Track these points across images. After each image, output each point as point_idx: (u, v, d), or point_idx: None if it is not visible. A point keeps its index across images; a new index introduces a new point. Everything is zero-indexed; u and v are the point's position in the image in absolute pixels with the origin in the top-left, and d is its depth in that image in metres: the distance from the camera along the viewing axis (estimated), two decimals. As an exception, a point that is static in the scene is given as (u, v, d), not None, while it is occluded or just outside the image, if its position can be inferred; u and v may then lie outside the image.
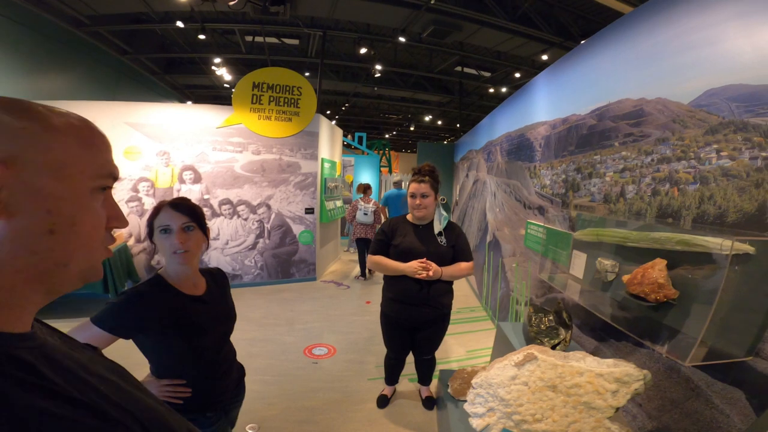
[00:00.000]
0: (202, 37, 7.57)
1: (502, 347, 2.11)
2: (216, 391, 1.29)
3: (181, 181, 5.23)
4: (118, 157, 4.90)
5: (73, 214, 0.43)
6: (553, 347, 1.75)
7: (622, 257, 1.66)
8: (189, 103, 11.66)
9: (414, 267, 2.13)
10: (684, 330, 1.29)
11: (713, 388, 1.28)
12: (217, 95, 12.79)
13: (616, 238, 1.70)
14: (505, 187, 4.06)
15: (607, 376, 1.33)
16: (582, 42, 2.48)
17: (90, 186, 0.45)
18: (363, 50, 7.85)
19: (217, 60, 8.70)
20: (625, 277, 1.51)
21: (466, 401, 1.53)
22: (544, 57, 7.49)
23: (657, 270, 1.35)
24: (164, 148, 5.11)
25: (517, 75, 9.22)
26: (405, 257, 2.20)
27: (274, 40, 8.32)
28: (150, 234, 1.23)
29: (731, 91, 1.36)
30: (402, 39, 7.36)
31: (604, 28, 2.25)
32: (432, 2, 5.78)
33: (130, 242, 4.85)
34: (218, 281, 1.41)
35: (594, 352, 1.97)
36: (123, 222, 0.51)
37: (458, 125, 11.81)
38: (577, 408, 1.33)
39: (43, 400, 0.34)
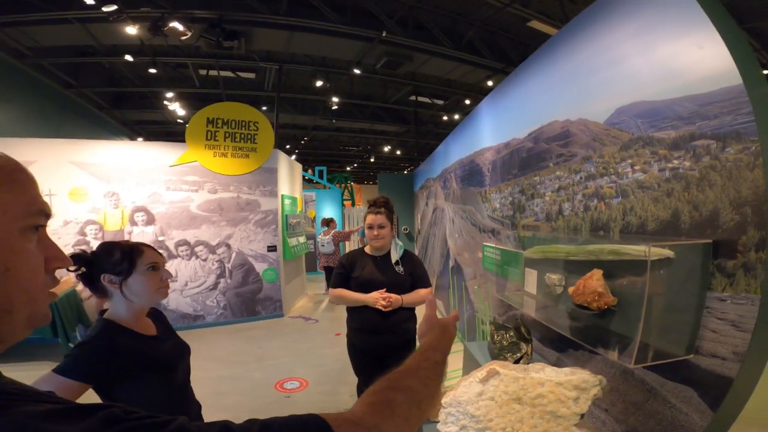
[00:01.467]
0: (153, 71, 7.46)
1: (470, 366, 2.16)
2: None
3: (133, 223, 5.01)
4: (62, 199, 4.64)
5: (4, 258, 0.41)
6: (517, 361, 1.82)
7: (567, 271, 1.79)
8: (140, 139, 11.26)
9: (374, 297, 2.21)
10: (627, 334, 1.40)
11: (666, 388, 1.36)
12: (170, 131, 12.46)
13: (559, 253, 1.84)
14: (461, 212, 4.24)
15: (566, 384, 1.40)
16: (516, 68, 2.73)
17: (18, 227, 0.43)
18: (319, 83, 8.07)
19: (170, 94, 8.58)
20: (571, 289, 1.62)
21: (438, 422, 1.55)
22: (490, 83, 8.06)
23: (595, 280, 1.48)
24: (113, 188, 4.92)
25: (467, 102, 9.79)
26: (366, 288, 2.27)
27: (229, 73, 8.38)
28: (124, 273, 1.19)
29: (636, 109, 1.55)
30: (357, 71, 7.66)
31: (533, 54, 2.44)
32: (384, 35, 6.12)
33: (79, 287, 4.52)
34: (161, 319, 1.41)
35: (556, 363, 2.05)
36: (65, 261, 0.49)
37: (416, 154, 12.27)
38: (544, 418, 1.39)
39: None
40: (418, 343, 0.82)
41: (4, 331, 0.42)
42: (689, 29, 1.29)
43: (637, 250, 1.34)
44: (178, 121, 10.75)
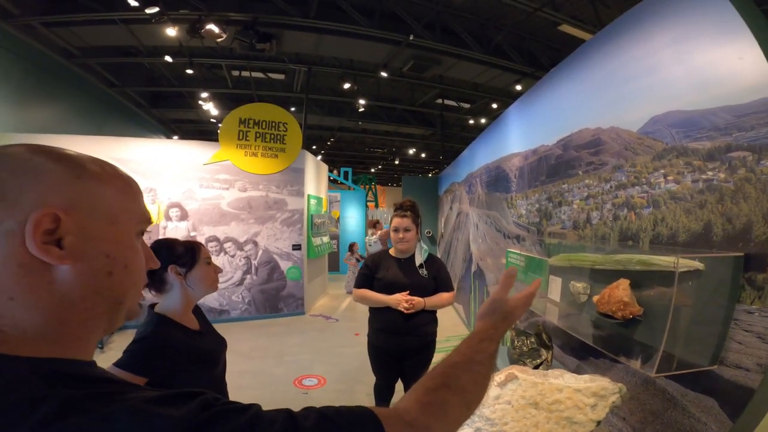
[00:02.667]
0: (189, 71, 7.79)
1: (488, 372, 2.17)
2: None
3: (168, 218, 5.25)
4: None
5: (126, 256, 0.48)
6: (536, 367, 1.82)
7: (593, 279, 1.77)
8: (175, 138, 11.76)
9: (398, 299, 2.25)
10: (651, 344, 1.39)
11: (687, 398, 1.35)
12: (203, 130, 12.97)
13: (586, 262, 1.83)
14: (485, 218, 4.22)
15: (584, 391, 1.40)
16: (546, 74, 2.71)
17: (135, 230, 0.50)
18: (347, 85, 8.19)
19: (204, 94, 8.92)
20: (595, 298, 1.61)
21: (453, 425, 1.58)
22: (518, 87, 7.95)
23: (621, 289, 1.47)
24: (150, 184, 5.17)
25: (495, 106, 9.69)
26: (389, 290, 2.31)
27: (260, 74, 8.62)
28: (190, 265, 1.30)
29: (671, 118, 1.53)
30: (384, 74, 7.73)
31: (564, 60, 2.41)
32: (411, 38, 6.16)
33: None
34: (201, 314, 1.49)
35: (576, 371, 2.03)
36: (155, 262, 0.56)
37: (441, 157, 12.25)
38: (560, 423, 1.39)
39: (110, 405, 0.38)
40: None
41: (116, 319, 0.48)
42: (727, 38, 1.27)
43: (665, 261, 1.33)
44: (211, 120, 11.17)
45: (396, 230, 2.36)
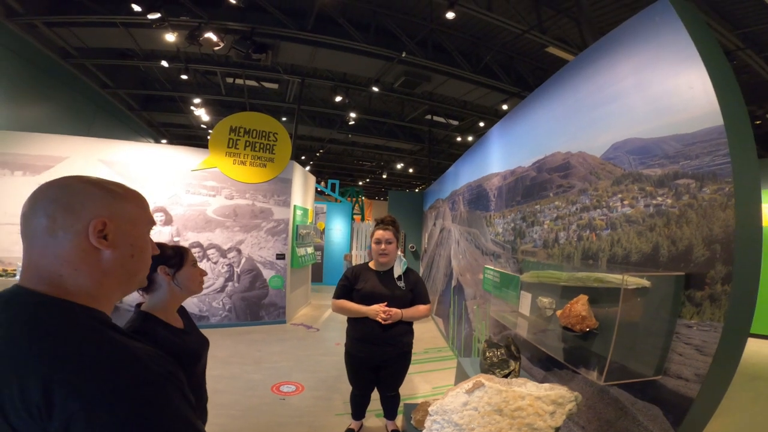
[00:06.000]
0: (184, 76, 7.82)
1: (461, 380, 2.24)
2: (201, 419, 1.37)
3: (151, 223, 5.22)
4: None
5: (142, 245, 0.74)
6: (504, 377, 1.91)
7: (558, 295, 1.89)
8: (164, 141, 11.69)
9: (376, 310, 2.33)
10: (604, 354, 1.50)
11: (636, 407, 1.45)
12: (192, 135, 12.93)
13: (552, 278, 1.94)
14: (466, 235, 4.35)
15: (544, 399, 1.49)
16: (527, 96, 2.83)
17: (147, 229, 0.77)
18: (338, 98, 8.31)
19: (197, 100, 8.92)
20: (558, 312, 1.72)
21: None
22: (504, 107, 8.20)
23: (580, 304, 1.58)
24: (137, 188, 5.10)
25: (482, 124, 9.94)
26: (368, 301, 2.39)
27: (253, 83, 8.70)
28: (178, 266, 1.38)
29: (629, 145, 1.66)
30: (375, 88, 7.89)
31: (542, 84, 2.51)
32: (403, 55, 6.35)
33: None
34: (185, 314, 1.55)
35: (542, 381, 2.13)
36: (156, 250, 0.81)
37: (428, 173, 12.43)
38: (521, 429, 1.48)
39: (129, 340, 0.62)
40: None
41: (131, 286, 0.74)
42: (682, 67, 1.36)
43: (617, 278, 1.45)
44: (202, 126, 11.17)
45: (378, 242, 2.45)
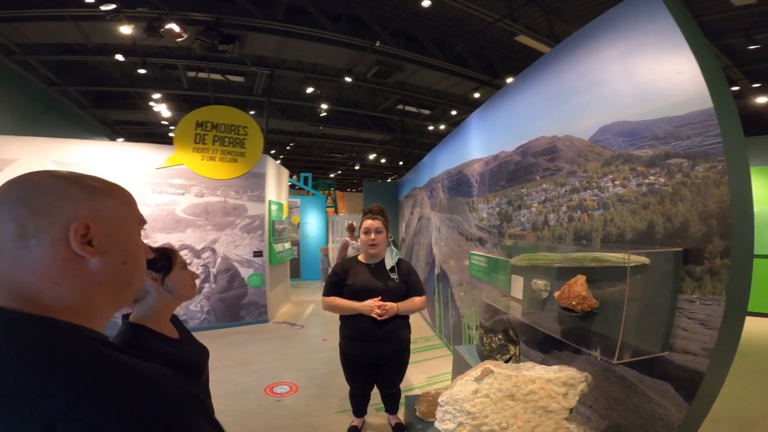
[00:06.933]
0: (142, 71, 7.32)
1: (460, 368, 2.25)
2: None
3: (117, 226, 4.92)
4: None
5: (134, 249, 0.62)
6: (506, 362, 1.92)
7: (552, 277, 1.91)
8: (120, 140, 10.98)
9: (370, 305, 2.21)
10: (608, 334, 1.53)
11: (644, 383, 1.48)
12: (151, 132, 12.21)
13: (545, 260, 1.97)
14: (448, 221, 4.37)
15: (555, 381, 1.51)
16: (508, 83, 2.85)
17: (137, 230, 0.64)
18: (310, 89, 8.07)
19: (156, 95, 8.42)
20: (556, 294, 1.74)
21: (434, 421, 1.63)
22: (477, 95, 8.28)
23: (579, 285, 1.60)
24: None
25: (454, 112, 10.02)
26: (360, 296, 2.26)
27: (218, 76, 8.32)
28: (166, 270, 1.26)
29: (617, 128, 1.70)
30: (348, 79, 7.70)
31: (523, 71, 2.54)
32: (377, 44, 6.25)
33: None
34: (180, 324, 1.42)
35: (542, 363, 2.18)
36: (150, 254, 0.69)
37: (401, 162, 12.40)
38: (536, 413, 1.49)
39: (137, 360, 0.51)
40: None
41: (124, 298, 0.62)
42: (668, 54, 1.40)
43: (617, 257, 1.48)
44: (163, 122, 10.58)
45: (367, 232, 2.32)
